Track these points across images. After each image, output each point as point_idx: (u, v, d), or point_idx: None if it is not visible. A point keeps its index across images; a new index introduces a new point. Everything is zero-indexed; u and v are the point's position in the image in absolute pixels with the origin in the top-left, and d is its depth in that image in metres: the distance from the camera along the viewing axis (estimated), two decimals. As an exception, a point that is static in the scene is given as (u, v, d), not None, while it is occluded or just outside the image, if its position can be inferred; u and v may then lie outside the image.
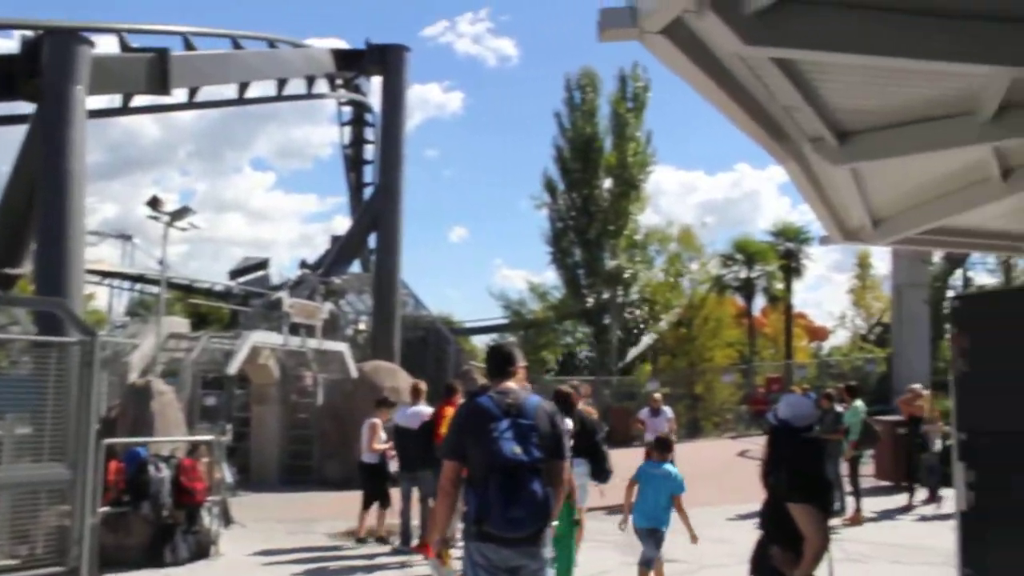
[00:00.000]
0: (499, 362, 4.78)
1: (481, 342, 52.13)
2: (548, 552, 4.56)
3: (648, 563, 7.53)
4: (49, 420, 9.42)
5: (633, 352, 42.78)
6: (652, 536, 7.52)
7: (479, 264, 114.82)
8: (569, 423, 6.81)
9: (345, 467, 18.36)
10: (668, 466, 7.80)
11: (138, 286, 44.06)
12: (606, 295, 36.47)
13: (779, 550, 4.26)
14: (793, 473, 4.23)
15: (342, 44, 31.74)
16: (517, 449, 4.32)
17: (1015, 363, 3.87)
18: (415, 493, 11.04)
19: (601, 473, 8.56)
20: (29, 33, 15.89)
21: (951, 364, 4.14)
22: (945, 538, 11.05)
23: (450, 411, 8.87)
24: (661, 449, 8.05)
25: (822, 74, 3.88)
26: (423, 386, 11.68)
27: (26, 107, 16.35)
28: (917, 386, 15.52)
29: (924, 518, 13.27)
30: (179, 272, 37.57)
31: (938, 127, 4.59)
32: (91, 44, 15.77)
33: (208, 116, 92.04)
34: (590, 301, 37.12)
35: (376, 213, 26.87)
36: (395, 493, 11.70)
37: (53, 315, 12.21)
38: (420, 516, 10.94)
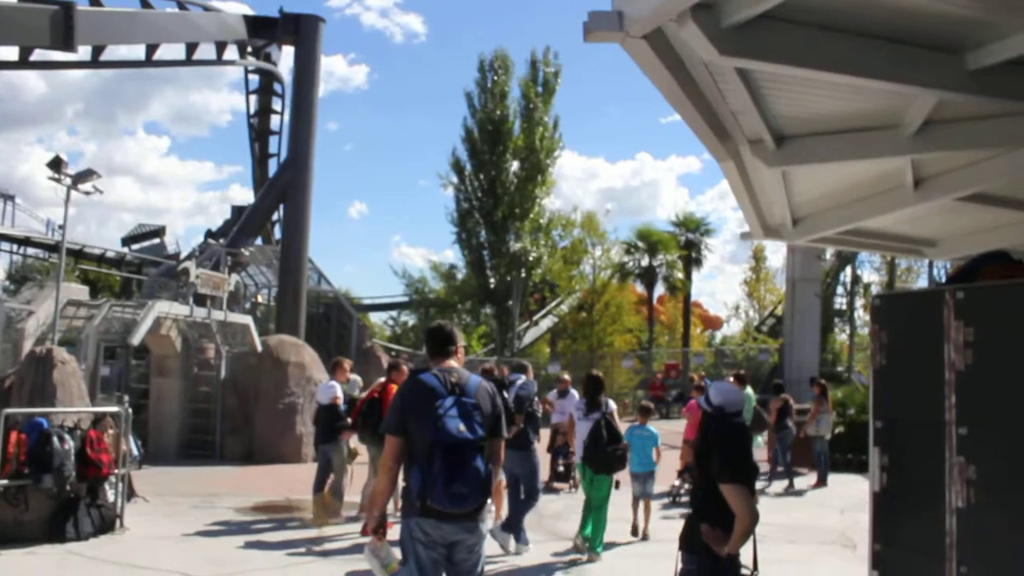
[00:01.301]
0: (441, 341, 4.87)
1: (380, 319, 51.95)
2: (486, 526, 4.70)
3: (641, 497, 10.34)
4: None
5: (533, 334, 43.37)
6: (649, 477, 10.30)
7: (378, 240, 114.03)
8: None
9: (247, 442, 18.17)
10: (649, 427, 10.48)
11: (19, 249, 42.19)
12: (510, 277, 36.80)
13: (708, 527, 4.51)
14: (726, 455, 4.50)
15: (246, 9, 30.92)
16: (462, 426, 4.43)
17: (927, 357, 4.20)
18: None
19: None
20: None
21: (870, 358, 4.46)
22: (833, 519, 11.80)
23: (394, 388, 9.24)
24: (644, 414, 10.76)
25: (772, 83, 4.14)
26: (345, 363, 11.97)
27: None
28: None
29: (810, 501, 13.96)
30: (67, 236, 36.07)
31: (867, 137, 4.92)
32: (-10, -7, 15.01)
33: (101, 74, 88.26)
34: (493, 282, 37.40)
35: (284, 186, 26.42)
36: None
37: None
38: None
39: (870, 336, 4.48)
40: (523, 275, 36.91)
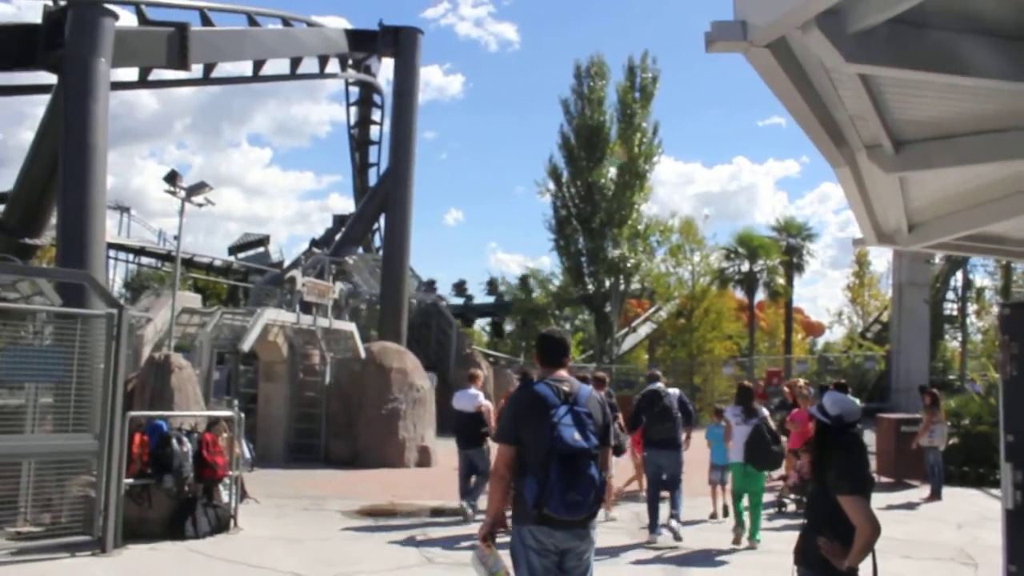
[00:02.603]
0: (555, 352, 4.88)
1: (477, 325, 52.39)
2: (596, 533, 4.71)
3: (718, 483, 12.24)
4: (73, 391, 9.55)
5: (631, 340, 43.08)
6: (724, 468, 11.78)
7: (474, 247, 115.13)
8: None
9: (351, 446, 18.61)
10: (723, 424, 11.83)
11: (135, 258, 44.09)
12: (608, 283, 36.65)
13: (826, 540, 4.41)
14: (844, 466, 4.41)
15: (344, 22, 31.65)
16: (577, 435, 4.46)
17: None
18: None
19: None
20: (51, 3, 15.88)
21: (1000, 369, 4.29)
22: (950, 535, 11.36)
23: None
24: (719, 415, 12.40)
25: (894, 87, 4.04)
26: (478, 373, 13.20)
27: (48, 77, 16.38)
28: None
29: (924, 515, 13.48)
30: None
31: (992, 140, 4.74)
32: (115, 16, 15.73)
33: (207, 90, 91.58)
34: (591, 288, 37.29)
35: (386, 195, 26.94)
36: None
37: (73, 286, 12.34)
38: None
39: (1000, 347, 4.31)
40: (621, 281, 36.70)
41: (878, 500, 13.93)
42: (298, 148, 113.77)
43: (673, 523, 10.53)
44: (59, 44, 15.05)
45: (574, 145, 37.21)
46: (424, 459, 18.72)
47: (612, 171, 36.75)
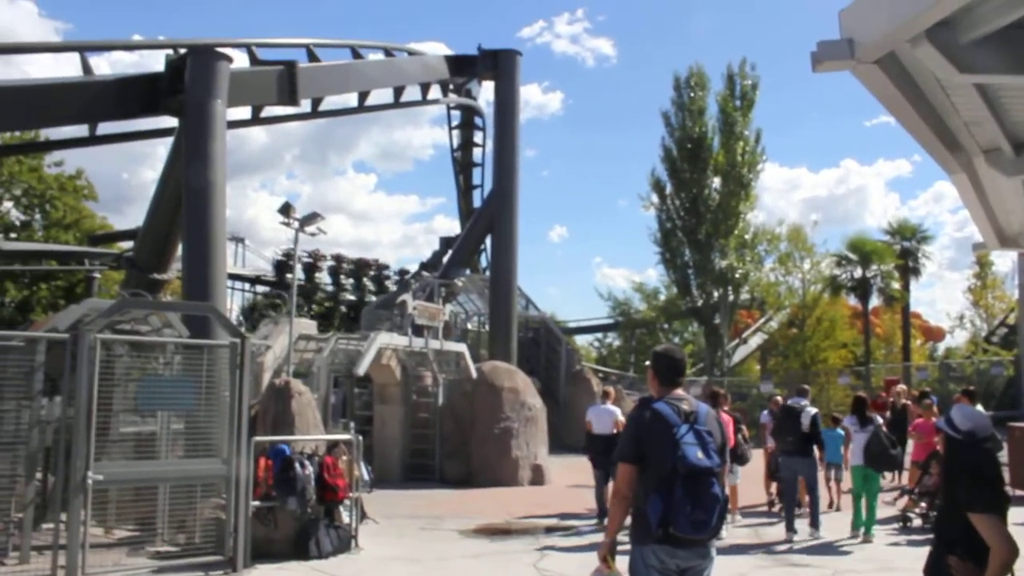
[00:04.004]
0: (672, 371, 4.86)
1: (584, 341, 52.27)
2: (715, 551, 4.68)
3: (834, 480, 13.94)
4: (202, 418, 10.02)
5: (742, 352, 42.26)
6: (839, 467, 13.59)
7: (579, 263, 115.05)
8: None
9: (465, 465, 18.83)
10: (838, 430, 13.23)
11: (250, 287, 45.77)
12: (716, 295, 36.10)
13: (958, 560, 4.26)
14: (976, 483, 4.24)
15: (441, 47, 32.17)
16: (700, 454, 4.45)
17: None
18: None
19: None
20: (171, 52, 16.78)
21: None
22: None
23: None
24: (835, 421, 13.71)
25: (1011, 91, 3.91)
26: (611, 390, 14.39)
27: (169, 121, 17.28)
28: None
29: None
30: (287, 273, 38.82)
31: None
32: (229, 60, 16.53)
33: (314, 121, 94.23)
34: (700, 301, 36.79)
35: (491, 216, 27.29)
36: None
37: (199, 318, 12.94)
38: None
39: None
40: (730, 292, 36.11)
41: (1016, 515, 13.36)
42: (402, 172, 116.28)
43: (807, 523, 11.91)
44: (180, 89, 15.87)
45: (676, 157, 36.85)
46: (538, 477, 18.77)
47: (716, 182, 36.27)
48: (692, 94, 36.98)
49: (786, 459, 12.19)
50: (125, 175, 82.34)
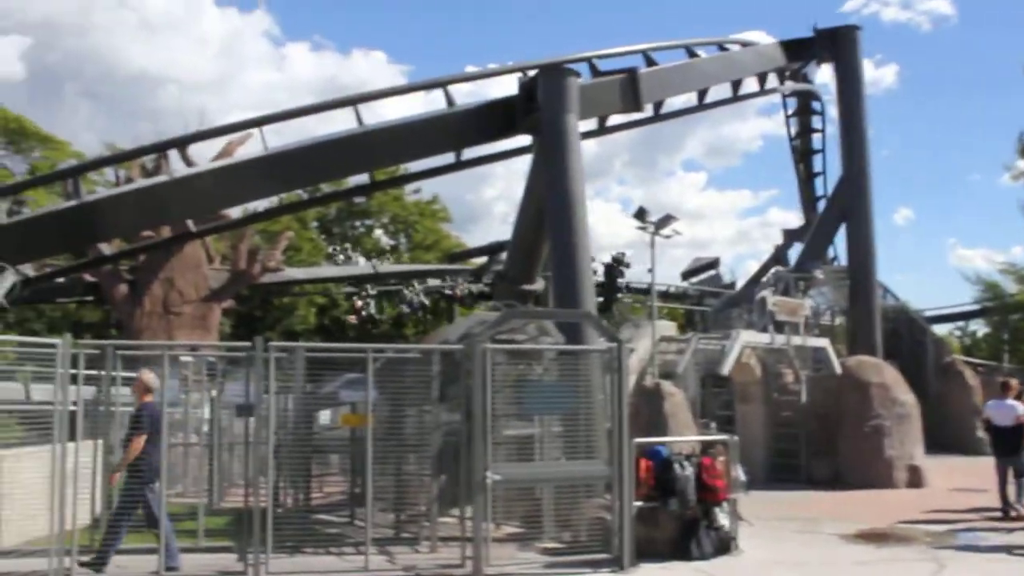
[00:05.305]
0: None
1: (943, 330, 47.88)
2: None
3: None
4: (581, 420, 10.52)
5: None
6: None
7: (929, 245, 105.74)
8: None
9: (832, 466, 18.17)
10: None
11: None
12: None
13: None
14: None
15: (761, 36, 30.93)
16: None
17: None
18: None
19: None
20: (521, 74, 17.85)
21: None
22: None
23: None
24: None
25: None
26: (1013, 382, 13.95)
27: (523, 139, 18.38)
28: None
29: None
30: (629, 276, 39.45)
31: None
32: (578, 75, 17.25)
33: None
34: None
35: (843, 203, 26.11)
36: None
37: (569, 324, 13.62)
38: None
39: None
40: None
41: None
42: (731, 168, 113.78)
43: None
44: (534, 108, 16.81)
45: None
46: (915, 479, 17.68)
47: None
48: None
49: None
50: (469, 196, 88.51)
